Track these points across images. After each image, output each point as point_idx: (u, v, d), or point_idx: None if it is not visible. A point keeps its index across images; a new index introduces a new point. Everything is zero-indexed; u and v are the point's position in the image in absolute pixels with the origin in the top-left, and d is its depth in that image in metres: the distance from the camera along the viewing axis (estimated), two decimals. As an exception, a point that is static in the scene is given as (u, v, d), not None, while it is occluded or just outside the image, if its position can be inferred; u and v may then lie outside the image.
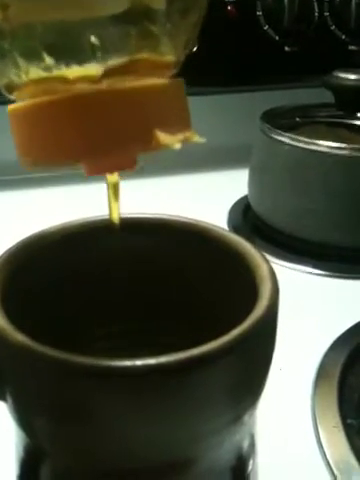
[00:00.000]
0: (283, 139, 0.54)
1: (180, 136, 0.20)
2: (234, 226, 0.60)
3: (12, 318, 0.20)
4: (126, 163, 0.21)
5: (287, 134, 0.54)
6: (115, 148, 0.19)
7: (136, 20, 0.19)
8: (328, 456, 0.34)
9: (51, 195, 0.66)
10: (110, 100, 0.19)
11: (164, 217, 0.27)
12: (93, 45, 0.19)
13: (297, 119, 0.61)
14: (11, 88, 0.20)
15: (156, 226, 0.27)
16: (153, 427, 0.19)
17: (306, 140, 0.53)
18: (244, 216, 0.62)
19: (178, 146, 0.20)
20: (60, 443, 0.21)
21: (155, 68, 0.20)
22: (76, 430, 0.20)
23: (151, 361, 0.17)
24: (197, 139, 0.21)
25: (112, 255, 0.26)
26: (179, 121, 0.21)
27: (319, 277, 0.52)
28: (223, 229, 0.26)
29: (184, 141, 0.20)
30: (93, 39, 0.19)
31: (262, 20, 0.67)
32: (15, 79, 0.20)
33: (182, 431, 0.20)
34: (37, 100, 0.19)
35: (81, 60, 0.19)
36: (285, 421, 0.36)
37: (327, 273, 0.52)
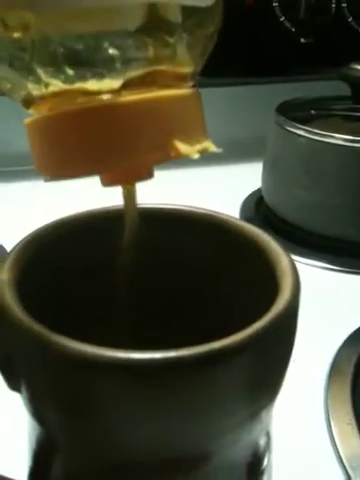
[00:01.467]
0: (298, 132, 0.54)
1: (198, 146, 0.20)
2: (247, 219, 0.60)
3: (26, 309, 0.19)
4: (143, 173, 0.21)
5: (303, 127, 0.54)
6: (134, 158, 0.19)
7: (153, 32, 0.19)
8: (341, 453, 0.34)
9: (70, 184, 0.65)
10: (129, 110, 0.19)
11: (181, 208, 0.26)
12: (112, 57, 0.19)
13: (312, 111, 0.60)
14: (29, 102, 0.20)
15: (173, 217, 0.26)
16: (169, 422, 0.19)
17: (322, 133, 0.52)
18: (257, 209, 0.62)
19: (196, 156, 0.20)
20: (73, 436, 0.20)
21: (173, 79, 0.20)
22: (89, 423, 0.19)
23: (171, 354, 0.17)
24: (213, 149, 0.21)
25: (126, 246, 0.26)
26: (196, 131, 0.21)
27: (332, 272, 0.51)
28: (241, 221, 0.26)
29: (202, 151, 0.20)
30: (112, 51, 0.19)
31: (278, 11, 0.67)
32: (34, 92, 0.20)
33: (198, 427, 0.19)
34: (56, 111, 0.19)
35: (100, 72, 0.19)
36: (298, 417, 0.36)
37: (341, 268, 0.52)
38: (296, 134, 0.54)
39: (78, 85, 0.19)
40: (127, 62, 0.19)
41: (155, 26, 0.19)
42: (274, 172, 0.59)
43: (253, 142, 0.62)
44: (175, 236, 0.26)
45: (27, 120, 0.21)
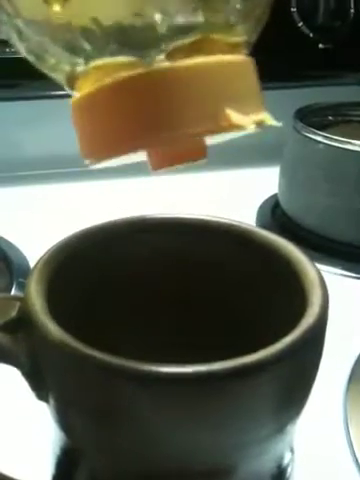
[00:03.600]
0: (316, 138, 0.53)
1: (253, 117, 0.18)
2: (262, 224, 0.59)
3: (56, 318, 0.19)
4: (195, 151, 0.20)
5: (321, 133, 0.53)
6: (184, 128, 0.18)
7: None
8: (360, 460, 0.33)
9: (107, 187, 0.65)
10: (176, 77, 0.18)
11: (205, 218, 0.26)
12: (158, 23, 0.18)
13: (330, 117, 0.60)
14: (73, 79, 0.19)
15: (197, 227, 0.26)
16: (198, 434, 0.19)
17: (341, 139, 0.52)
18: (273, 214, 0.62)
19: (252, 128, 0.18)
20: (99, 446, 0.20)
21: (223, 49, 0.19)
22: (117, 434, 0.19)
23: (202, 368, 0.17)
24: (272, 122, 0.19)
25: (152, 256, 0.26)
26: (251, 102, 0.19)
27: (351, 279, 0.51)
28: (267, 231, 0.26)
29: (258, 124, 0.18)
30: (158, 16, 0.18)
31: (296, 16, 0.66)
32: (78, 68, 0.19)
33: (226, 439, 0.19)
34: (102, 84, 0.18)
35: (146, 40, 0.18)
36: (317, 425, 0.35)
37: (358, 275, 0.51)
38: (314, 140, 0.54)
39: (123, 56, 0.18)
40: (174, 29, 0.18)
41: None
42: (291, 178, 0.59)
43: (270, 147, 0.62)
44: (201, 246, 0.26)
45: (73, 98, 0.19)
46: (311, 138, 0.54)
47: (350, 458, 0.34)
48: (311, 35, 0.67)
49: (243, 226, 0.26)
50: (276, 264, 0.24)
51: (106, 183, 0.63)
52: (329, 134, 0.53)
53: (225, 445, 0.20)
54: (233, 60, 0.19)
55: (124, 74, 0.18)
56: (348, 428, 0.36)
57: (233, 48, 0.19)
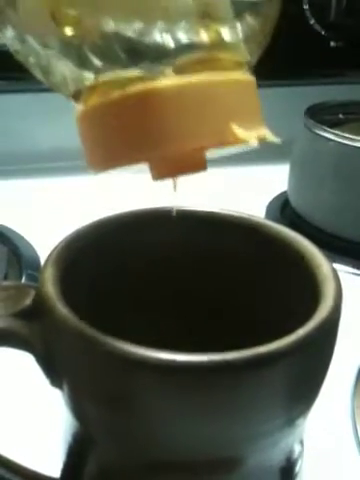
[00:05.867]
0: (328, 135, 0.53)
1: (255, 133, 0.19)
2: (272, 221, 0.59)
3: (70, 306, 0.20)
4: (196, 163, 0.21)
5: (332, 130, 0.53)
6: (190, 143, 0.19)
7: (209, 18, 0.19)
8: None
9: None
10: (183, 93, 0.18)
11: (217, 211, 0.26)
12: (164, 42, 0.18)
13: (340, 115, 0.60)
14: (78, 93, 0.20)
15: (209, 220, 0.26)
16: (210, 424, 0.19)
17: (352, 137, 0.52)
18: (282, 212, 0.62)
19: (255, 143, 0.19)
20: (112, 433, 0.21)
21: (228, 66, 0.19)
22: (130, 421, 0.19)
23: (217, 357, 0.17)
24: (272, 138, 0.20)
25: (164, 248, 0.26)
26: (254, 118, 0.20)
27: (359, 277, 0.51)
28: (279, 225, 0.26)
29: (260, 139, 0.19)
30: (164, 36, 0.18)
31: (308, 14, 0.66)
32: (86, 82, 0.19)
33: (238, 430, 0.19)
34: (109, 97, 0.19)
35: (153, 57, 0.18)
36: (326, 421, 0.36)
37: (367, 274, 0.51)
38: (325, 138, 0.54)
39: (130, 72, 0.19)
40: (180, 47, 0.18)
41: (210, 13, 0.19)
42: (301, 175, 0.59)
43: (280, 145, 0.62)
44: (214, 239, 0.26)
45: (78, 111, 0.20)
46: (322, 136, 0.54)
47: (357, 453, 0.34)
48: (323, 33, 0.67)
49: (255, 219, 0.26)
50: (289, 257, 0.24)
51: (115, 178, 0.63)
52: (340, 132, 0.53)
53: (236, 436, 0.20)
54: (238, 78, 0.20)
55: (131, 88, 0.19)
56: (355, 423, 0.36)
57: (237, 66, 0.20)
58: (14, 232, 0.53)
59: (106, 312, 0.24)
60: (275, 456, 0.22)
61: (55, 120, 0.69)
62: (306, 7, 0.67)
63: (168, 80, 0.19)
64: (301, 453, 0.24)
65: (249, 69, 0.21)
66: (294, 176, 0.60)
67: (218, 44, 0.19)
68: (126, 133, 0.19)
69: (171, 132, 0.18)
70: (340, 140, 0.52)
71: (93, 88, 0.19)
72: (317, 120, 0.55)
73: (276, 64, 0.67)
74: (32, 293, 0.21)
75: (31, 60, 0.20)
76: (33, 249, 0.50)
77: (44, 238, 0.50)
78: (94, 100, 0.19)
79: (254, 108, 0.20)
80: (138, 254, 0.26)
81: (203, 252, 0.26)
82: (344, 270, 0.52)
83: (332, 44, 0.67)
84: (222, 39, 0.19)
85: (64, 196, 0.62)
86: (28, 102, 0.69)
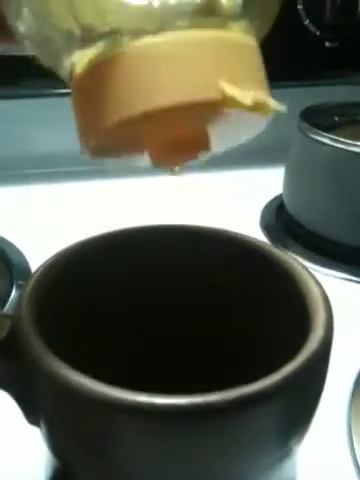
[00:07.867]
0: (323, 139, 0.52)
1: (252, 93, 0.17)
2: (266, 226, 0.59)
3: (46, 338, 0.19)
4: (197, 141, 0.19)
5: (326, 134, 0.52)
6: (173, 98, 0.17)
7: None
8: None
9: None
10: (166, 50, 0.17)
11: (208, 228, 0.25)
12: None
13: (335, 118, 0.59)
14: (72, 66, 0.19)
15: (199, 238, 0.25)
16: (196, 466, 0.18)
17: (347, 141, 0.51)
18: (277, 215, 0.61)
19: (249, 103, 0.17)
20: (90, 473, 0.20)
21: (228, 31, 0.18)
22: (109, 463, 0.18)
23: (198, 400, 0.16)
24: (275, 106, 0.18)
25: (149, 270, 0.25)
26: (253, 83, 0.18)
27: (355, 284, 0.50)
28: (268, 244, 0.25)
29: (256, 103, 0.17)
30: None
31: (302, 14, 0.65)
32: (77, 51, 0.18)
33: (227, 470, 0.18)
34: (98, 58, 0.18)
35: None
36: (321, 434, 0.35)
37: (363, 280, 0.50)
38: (319, 142, 0.53)
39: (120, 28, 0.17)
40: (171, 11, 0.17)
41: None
42: (296, 179, 0.58)
43: (275, 147, 0.61)
44: (201, 260, 0.25)
45: (74, 75, 0.19)
46: (316, 139, 0.53)
47: (353, 468, 0.33)
48: (317, 33, 0.66)
49: (247, 238, 0.25)
50: (280, 281, 0.23)
51: (109, 183, 0.62)
52: (334, 135, 0.52)
53: (226, 476, 0.19)
54: (238, 40, 0.18)
55: (115, 50, 0.17)
56: (351, 436, 0.35)
57: (241, 32, 0.18)
58: (4, 240, 0.52)
59: (88, 340, 0.23)
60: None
61: (51, 126, 0.68)
62: (300, 7, 0.65)
63: (160, 36, 0.17)
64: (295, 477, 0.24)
65: (257, 40, 0.19)
66: (289, 179, 0.59)
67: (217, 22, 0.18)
68: (117, 91, 0.17)
69: (160, 86, 0.17)
70: (335, 144, 0.51)
71: (86, 55, 0.18)
72: (312, 123, 0.55)
73: (270, 65, 0.66)
74: (8, 324, 0.20)
75: (31, 40, 0.19)
76: (24, 258, 0.49)
77: (36, 247, 0.49)
78: (87, 62, 0.18)
79: (255, 73, 0.18)
80: (123, 279, 0.25)
81: (187, 274, 0.25)
82: (338, 276, 0.51)
83: (327, 45, 0.66)
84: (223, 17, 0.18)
85: (56, 203, 0.61)
86: (23, 107, 0.68)
